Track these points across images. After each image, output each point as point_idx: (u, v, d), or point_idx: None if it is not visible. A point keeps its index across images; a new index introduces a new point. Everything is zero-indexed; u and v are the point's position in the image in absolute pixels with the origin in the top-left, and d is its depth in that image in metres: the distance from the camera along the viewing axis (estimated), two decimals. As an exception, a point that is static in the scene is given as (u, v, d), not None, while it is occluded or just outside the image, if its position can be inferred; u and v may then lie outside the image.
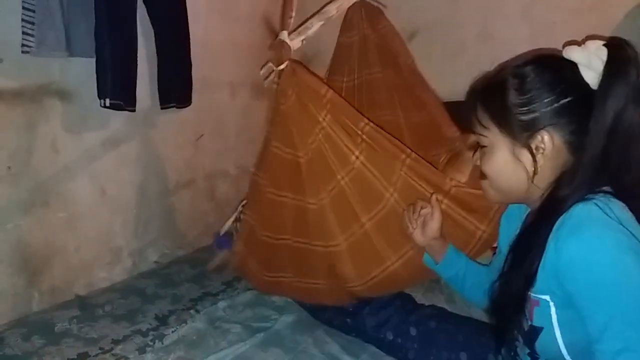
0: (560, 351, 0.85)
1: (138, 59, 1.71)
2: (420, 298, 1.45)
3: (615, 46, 0.82)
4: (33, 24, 1.42)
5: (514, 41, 2.01)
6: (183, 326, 1.42)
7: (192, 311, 1.54)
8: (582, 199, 0.81)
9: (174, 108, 1.95)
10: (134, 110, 1.70)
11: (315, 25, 1.42)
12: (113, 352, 1.32)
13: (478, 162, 0.97)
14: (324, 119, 1.28)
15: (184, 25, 1.92)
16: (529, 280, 0.86)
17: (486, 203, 1.23)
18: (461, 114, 2.17)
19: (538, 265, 0.84)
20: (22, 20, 1.42)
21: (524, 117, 0.86)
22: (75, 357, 1.30)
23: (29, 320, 1.50)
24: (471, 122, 0.94)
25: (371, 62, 1.80)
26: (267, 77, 1.34)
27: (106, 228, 1.85)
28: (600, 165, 0.82)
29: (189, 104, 1.99)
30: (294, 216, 1.37)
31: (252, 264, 1.50)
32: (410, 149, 1.31)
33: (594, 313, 0.77)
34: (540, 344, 0.88)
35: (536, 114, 0.85)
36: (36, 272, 1.64)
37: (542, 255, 0.83)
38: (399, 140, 1.33)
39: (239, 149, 2.42)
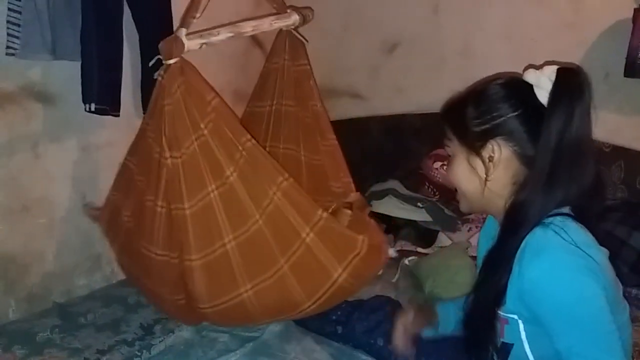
0: None
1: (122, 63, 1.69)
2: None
3: (565, 70, 0.89)
4: (19, 25, 1.40)
5: (494, 58, 2.08)
6: (170, 336, 1.40)
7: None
8: (541, 223, 0.88)
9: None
10: (118, 115, 1.67)
11: (222, 34, 1.43)
12: (99, 362, 1.29)
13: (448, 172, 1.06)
14: (205, 127, 1.26)
15: (168, 31, 1.90)
16: (498, 298, 0.91)
17: (350, 245, 1.30)
18: (437, 125, 2.25)
19: (505, 284, 0.90)
20: (8, 22, 1.39)
21: (477, 129, 0.94)
22: (60, 367, 1.27)
23: (7, 330, 1.45)
24: (444, 133, 1.03)
25: (287, 94, 1.74)
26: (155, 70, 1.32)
27: (86, 235, 1.81)
28: (549, 179, 0.88)
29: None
30: (152, 217, 1.31)
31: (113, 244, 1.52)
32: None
33: (560, 333, 0.84)
34: (512, 358, 0.94)
35: (487, 126, 0.93)
36: (13, 279, 1.60)
37: (508, 274, 0.89)
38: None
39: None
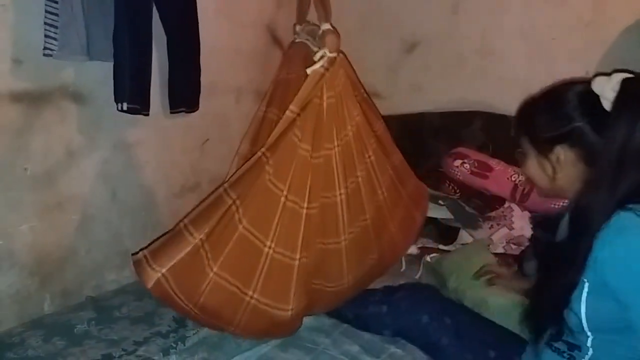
0: (582, 324, 0.99)
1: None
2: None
3: (630, 80, 0.96)
4: (56, 27, 1.43)
5: (512, 57, 2.11)
6: (203, 328, 1.44)
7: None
8: (622, 207, 0.94)
9: (183, 112, 1.97)
10: (148, 114, 1.72)
11: None
12: (137, 353, 1.33)
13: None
14: (351, 123, 1.30)
15: (195, 31, 1.94)
16: (570, 291, 0.99)
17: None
18: (457, 124, 2.28)
19: (579, 279, 0.98)
20: (45, 23, 1.42)
21: (546, 135, 1.08)
22: (100, 358, 1.30)
23: (45, 322, 1.50)
24: (516, 133, 1.16)
25: None
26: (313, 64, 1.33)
27: (116, 231, 1.86)
28: (613, 182, 0.96)
29: (197, 109, 2.02)
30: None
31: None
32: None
33: (634, 303, 0.91)
34: (570, 316, 1.01)
35: (555, 133, 1.06)
36: (48, 274, 1.64)
37: (582, 271, 0.97)
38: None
39: (242, 154, 2.44)
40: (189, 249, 1.27)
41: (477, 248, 1.80)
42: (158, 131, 1.98)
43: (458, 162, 2.09)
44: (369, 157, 1.49)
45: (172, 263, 1.24)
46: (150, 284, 1.24)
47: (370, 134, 1.52)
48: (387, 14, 2.36)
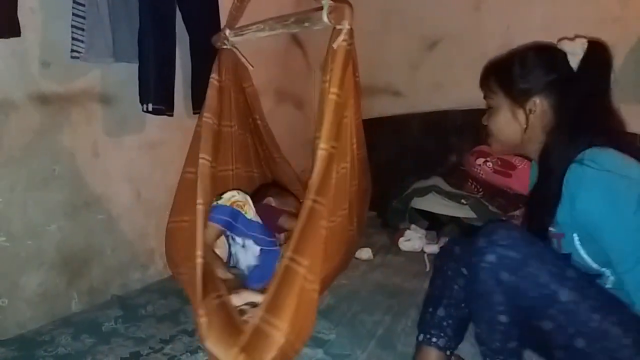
0: (591, 265, 1.10)
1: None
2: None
3: (595, 42, 1.13)
4: (83, 30, 1.46)
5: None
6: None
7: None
8: (575, 159, 1.06)
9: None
10: (172, 115, 1.74)
11: None
12: (164, 351, 1.34)
13: (485, 122, 1.27)
14: (350, 108, 1.31)
15: (217, 31, 1.95)
16: (549, 219, 1.14)
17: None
18: (479, 121, 2.25)
19: (553, 213, 1.12)
20: (72, 26, 1.45)
21: (522, 86, 1.16)
22: (128, 356, 1.32)
23: (73, 320, 1.52)
24: (484, 87, 1.25)
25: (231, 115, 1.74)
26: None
27: (141, 230, 1.89)
28: (574, 128, 1.11)
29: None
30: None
31: None
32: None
33: (611, 244, 1.03)
34: (574, 263, 1.12)
35: (531, 84, 1.16)
36: (76, 273, 1.67)
37: (555, 207, 1.11)
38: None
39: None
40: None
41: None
42: (182, 131, 2.00)
43: (481, 161, 2.07)
44: (353, 145, 1.40)
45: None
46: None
47: (357, 119, 1.44)
48: (407, 11, 2.35)
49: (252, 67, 1.67)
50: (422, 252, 2.00)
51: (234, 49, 1.63)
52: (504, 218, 1.94)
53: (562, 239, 1.14)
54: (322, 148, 1.16)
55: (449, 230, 2.00)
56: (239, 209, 1.57)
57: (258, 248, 1.58)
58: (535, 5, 2.10)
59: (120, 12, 1.55)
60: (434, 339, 1.22)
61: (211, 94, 1.50)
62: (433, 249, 2.00)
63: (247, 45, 2.25)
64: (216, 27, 1.94)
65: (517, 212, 1.95)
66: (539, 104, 1.16)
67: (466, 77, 2.30)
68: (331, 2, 1.25)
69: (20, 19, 1.35)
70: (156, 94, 1.63)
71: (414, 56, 2.40)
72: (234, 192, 1.58)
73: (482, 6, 2.21)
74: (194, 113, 1.96)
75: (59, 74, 1.53)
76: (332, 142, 1.18)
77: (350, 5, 1.24)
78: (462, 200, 1.97)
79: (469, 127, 2.24)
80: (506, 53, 1.23)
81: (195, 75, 1.91)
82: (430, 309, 1.26)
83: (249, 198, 1.62)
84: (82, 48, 1.46)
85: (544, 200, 1.15)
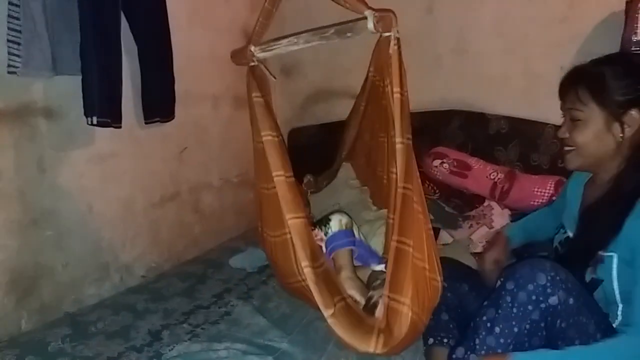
0: (615, 298, 1.11)
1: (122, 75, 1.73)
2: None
3: None
4: (19, 44, 1.43)
5: (489, 53, 2.10)
6: (180, 343, 1.43)
7: (185, 325, 1.55)
8: None
9: (158, 122, 1.97)
10: (120, 127, 1.71)
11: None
12: (110, 370, 1.32)
13: (566, 135, 1.21)
14: None
15: (166, 40, 1.94)
16: (605, 242, 1.11)
17: None
18: (436, 123, 2.27)
19: (617, 231, 1.09)
20: (8, 40, 1.42)
21: (619, 98, 1.13)
22: (73, 376, 1.30)
23: (20, 341, 1.48)
24: (569, 99, 1.19)
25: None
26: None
27: (94, 245, 1.86)
28: None
29: (173, 118, 2.01)
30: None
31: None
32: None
33: None
34: (598, 292, 1.14)
35: (629, 97, 1.12)
36: (25, 292, 1.63)
37: (620, 225, 1.08)
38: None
39: (222, 161, 2.44)
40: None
41: (458, 248, 1.79)
42: (134, 142, 1.98)
43: (437, 162, 2.09)
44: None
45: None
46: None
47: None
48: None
49: (275, 78, 1.69)
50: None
51: (261, 65, 1.64)
52: (460, 219, 1.95)
53: (599, 264, 1.13)
54: (400, 142, 1.33)
55: (408, 232, 2.00)
56: (352, 231, 1.61)
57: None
58: (486, 6, 2.12)
59: (60, 24, 1.52)
60: (445, 340, 1.30)
61: (261, 111, 1.51)
62: (392, 251, 1.99)
63: (201, 53, 2.24)
64: (165, 36, 1.92)
65: (472, 213, 1.96)
66: (637, 118, 1.12)
67: (421, 79, 2.31)
68: (374, 11, 1.34)
69: (-48, 34, 1.31)
70: (101, 107, 1.60)
71: (369, 59, 2.40)
72: (340, 215, 1.59)
73: (434, 8, 2.22)
74: (146, 123, 1.94)
75: (-3, 90, 1.50)
76: (407, 134, 1.35)
77: (394, 13, 1.36)
78: (419, 203, 1.97)
79: (426, 128, 2.24)
80: (589, 62, 1.20)
81: (145, 86, 1.88)
82: (434, 316, 1.30)
83: (350, 218, 1.63)
84: (19, 62, 1.43)
85: (606, 220, 1.12)
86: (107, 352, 1.40)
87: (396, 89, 1.35)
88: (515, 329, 1.09)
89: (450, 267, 1.40)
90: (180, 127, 2.13)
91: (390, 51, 1.37)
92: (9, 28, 1.41)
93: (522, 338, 1.09)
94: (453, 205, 1.99)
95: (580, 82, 1.18)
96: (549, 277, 1.07)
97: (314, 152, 2.35)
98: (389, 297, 1.24)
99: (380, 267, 1.60)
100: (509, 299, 1.10)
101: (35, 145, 1.63)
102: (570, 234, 1.28)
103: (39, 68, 1.47)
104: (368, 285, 1.49)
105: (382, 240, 1.74)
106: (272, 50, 1.58)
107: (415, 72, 2.35)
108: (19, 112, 1.57)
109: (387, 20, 1.34)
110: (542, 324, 1.09)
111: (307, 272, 1.28)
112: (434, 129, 2.21)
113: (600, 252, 1.12)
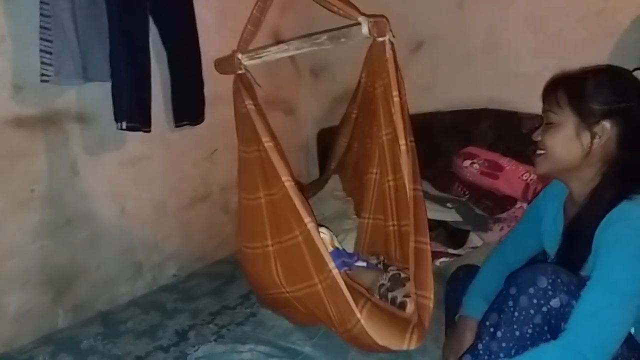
0: None
1: (152, 79, 1.77)
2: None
3: None
4: (51, 53, 1.48)
5: (520, 51, 2.04)
6: (205, 344, 1.45)
7: (211, 325, 1.58)
8: (628, 197, 1.05)
9: (188, 125, 2.00)
10: (149, 131, 1.76)
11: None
12: (136, 369, 1.36)
13: (539, 137, 1.19)
14: None
15: (194, 44, 1.97)
16: (581, 262, 1.11)
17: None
18: (466, 122, 2.21)
19: (589, 249, 1.08)
20: (41, 50, 1.48)
21: (596, 107, 1.10)
22: (102, 374, 1.34)
23: (55, 338, 1.54)
24: (547, 101, 1.18)
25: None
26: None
27: (127, 245, 1.91)
28: (636, 161, 1.09)
29: (202, 121, 2.05)
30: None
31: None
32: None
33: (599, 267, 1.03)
34: None
35: (605, 107, 1.10)
36: (60, 291, 1.70)
37: (591, 240, 1.07)
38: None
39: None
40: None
41: (486, 253, 1.74)
42: (165, 145, 2.02)
43: (467, 163, 2.04)
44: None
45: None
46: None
47: None
48: (390, 13, 2.29)
49: (260, 87, 1.68)
50: (410, 257, 1.97)
51: (248, 73, 1.64)
52: (490, 221, 1.90)
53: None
54: (404, 144, 1.36)
55: (437, 234, 1.97)
56: (337, 247, 1.62)
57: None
58: (518, 1, 2.05)
59: (90, 32, 1.56)
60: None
61: (257, 119, 1.49)
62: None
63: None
64: (194, 41, 1.96)
65: (504, 215, 1.91)
66: (608, 130, 1.10)
67: (452, 77, 2.28)
68: (367, 17, 1.36)
69: (-11, 45, 1.38)
70: (130, 112, 1.64)
71: (399, 58, 2.36)
72: (322, 233, 1.53)
73: (465, 5, 2.17)
74: (176, 126, 1.98)
75: (32, 97, 1.55)
76: (409, 137, 1.37)
77: (387, 19, 1.39)
78: (448, 204, 1.93)
79: (456, 128, 2.21)
80: (577, 69, 1.20)
81: (174, 90, 1.92)
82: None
83: (328, 230, 1.64)
84: (51, 71, 1.48)
85: (582, 240, 1.11)
86: (136, 351, 1.44)
87: (395, 92, 1.37)
88: (517, 333, 1.07)
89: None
90: (211, 129, 2.16)
91: (387, 55, 1.39)
92: (41, 38, 1.47)
93: (525, 342, 1.07)
94: (483, 207, 1.94)
95: (562, 86, 1.17)
96: (550, 280, 1.05)
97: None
98: (416, 294, 1.30)
99: (360, 264, 1.61)
100: (510, 303, 1.09)
101: (69, 150, 1.69)
102: (552, 255, 1.26)
103: (70, 76, 1.52)
104: (375, 289, 1.48)
105: (352, 237, 1.77)
106: (260, 57, 1.58)
107: (444, 69, 2.33)
108: (53, 118, 1.63)
109: (381, 26, 1.36)
110: (546, 327, 1.07)
111: (335, 273, 1.25)
112: (464, 128, 2.16)
113: (582, 273, 1.11)
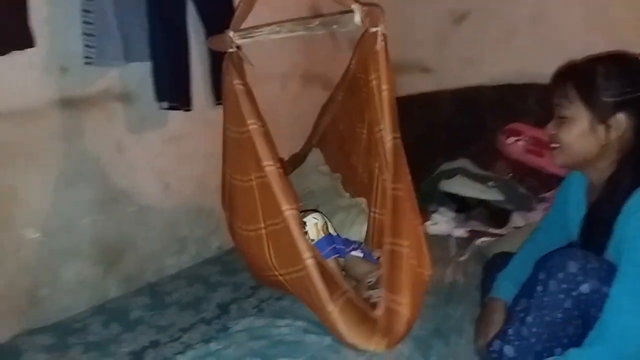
0: None
1: (191, 58, 1.80)
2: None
3: None
4: (93, 36, 1.51)
5: (567, 23, 1.93)
6: (245, 317, 1.50)
7: (251, 299, 1.63)
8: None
9: (227, 105, 2.03)
10: (190, 110, 1.79)
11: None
12: (181, 340, 1.42)
13: (553, 131, 1.17)
14: None
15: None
16: (601, 248, 1.09)
17: None
18: (511, 98, 2.13)
19: (609, 234, 1.07)
20: (83, 33, 1.51)
21: (607, 99, 1.07)
22: (148, 344, 1.41)
23: (106, 308, 1.63)
24: (557, 94, 1.14)
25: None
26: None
27: (172, 219, 1.98)
28: None
29: (242, 100, 2.06)
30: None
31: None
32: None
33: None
34: None
35: (618, 99, 1.07)
36: (111, 263, 1.78)
37: (612, 226, 1.06)
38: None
39: (292, 138, 2.47)
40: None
41: (529, 233, 1.70)
42: (206, 122, 2.06)
43: (511, 140, 1.98)
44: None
45: None
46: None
47: None
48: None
49: (253, 65, 1.65)
50: (450, 236, 1.96)
51: (240, 51, 1.62)
52: (534, 200, 1.85)
53: None
54: (389, 140, 1.31)
55: (478, 213, 1.94)
56: (329, 233, 1.60)
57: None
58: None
59: (130, 12, 1.58)
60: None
61: (244, 99, 1.48)
62: (460, 232, 1.95)
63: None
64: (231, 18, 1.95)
65: (548, 194, 1.86)
66: (623, 122, 1.08)
67: (497, 50, 2.19)
68: (361, 5, 1.30)
69: (35, 29, 1.41)
70: (170, 92, 1.68)
71: (442, 30, 2.30)
72: (314, 219, 1.56)
73: (511, -26, 2.07)
74: (217, 104, 2.00)
75: (77, 78, 1.60)
76: (396, 132, 1.32)
77: (382, 8, 1.32)
78: (490, 183, 1.90)
79: (501, 103, 2.14)
80: (584, 58, 1.16)
81: (213, 68, 1.94)
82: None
83: (323, 216, 1.62)
84: (94, 53, 1.52)
85: (601, 225, 1.10)
86: (180, 323, 1.51)
87: (384, 85, 1.33)
88: (547, 318, 1.06)
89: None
90: (250, 105, 2.17)
91: (378, 47, 1.33)
92: (83, 22, 1.50)
93: (556, 327, 1.07)
94: (527, 186, 1.89)
95: (570, 78, 1.13)
96: (580, 265, 1.03)
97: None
98: (387, 298, 1.25)
99: (356, 253, 1.58)
100: (540, 288, 1.07)
101: (114, 129, 1.74)
102: (576, 240, 1.23)
103: (111, 57, 1.55)
104: (364, 281, 1.47)
105: (362, 230, 1.73)
106: (252, 37, 1.56)
107: (489, 42, 2.24)
108: (98, 98, 1.68)
109: (374, 15, 1.29)
110: (576, 313, 1.05)
111: (310, 263, 1.26)
112: (509, 104, 2.09)
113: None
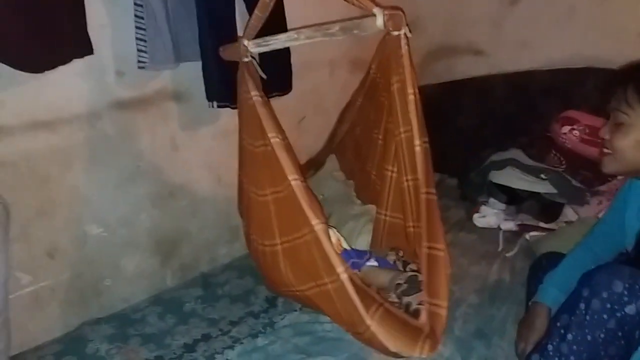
0: None
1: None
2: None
3: None
4: (145, 40, 1.57)
5: (629, 3, 1.80)
6: (291, 312, 1.56)
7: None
8: None
9: (277, 96, 2.05)
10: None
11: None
12: (230, 334, 1.49)
13: (607, 136, 1.12)
14: None
15: (281, 17, 1.97)
16: None
17: None
18: (567, 83, 2.02)
19: None
20: (136, 39, 1.57)
21: None
22: (199, 337, 1.50)
23: (162, 298, 1.73)
24: (615, 98, 1.09)
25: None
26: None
27: (224, 211, 2.06)
28: None
29: (290, 91, 2.08)
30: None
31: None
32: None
33: None
34: None
35: None
36: (167, 253, 1.89)
37: None
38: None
39: (340, 126, 2.48)
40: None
41: (582, 229, 1.64)
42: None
43: (566, 129, 1.90)
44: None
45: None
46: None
47: None
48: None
49: (265, 77, 1.64)
50: (498, 228, 1.92)
51: (254, 61, 1.61)
52: (588, 193, 1.78)
53: None
54: (418, 144, 1.32)
55: (528, 206, 1.89)
56: (344, 248, 1.63)
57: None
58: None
59: (180, 15, 1.63)
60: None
61: (263, 111, 1.45)
62: (509, 225, 1.91)
63: (317, 21, 2.24)
64: (280, 13, 1.96)
65: (603, 187, 1.77)
66: None
67: (553, 33, 2.08)
68: (383, 9, 1.28)
69: (92, 35, 1.48)
70: (220, 92, 1.73)
71: (496, 12, 2.20)
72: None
73: (571, -49, 1.94)
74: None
75: (133, 81, 1.68)
76: (424, 137, 1.33)
77: (403, 12, 1.30)
78: (542, 175, 1.83)
79: (556, 89, 2.04)
80: None
81: (262, 63, 1.95)
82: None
83: (335, 231, 1.64)
84: (146, 58, 1.58)
85: None
86: (230, 316, 1.59)
87: (410, 90, 1.33)
88: (589, 337, 1.03)
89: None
90: (299, 97, 2.20)
91: (402, 51, 1.33)
92: (136, 27, 1.56)
93: (597, 347, 1.03)
94: (581, 178, 1.81)
95: (631, 81, 1.05)
96: (627, 285, 0.99)
97: (434, 114, 2.27)
98: (429, 302, 1.26)
99: (371, 263, 1.57)
100: (582, 305, 1.04)
101: (168, 127, 1.82)
102: (629, 251, 1.17)
103: (163, 61, 1.61)
104: (391, 289, 1.46)
105: (368, 238, 1.73)
106: (268, 45, 1.52)
107: (545, 23, 2.13)
108: (153, 98, 1.76)
109: (397, 19, 1.28)
110: (620, 334, 1.01)
111: (345, 277, 1.24)
112: (564, 89, 1.99)
113: None
